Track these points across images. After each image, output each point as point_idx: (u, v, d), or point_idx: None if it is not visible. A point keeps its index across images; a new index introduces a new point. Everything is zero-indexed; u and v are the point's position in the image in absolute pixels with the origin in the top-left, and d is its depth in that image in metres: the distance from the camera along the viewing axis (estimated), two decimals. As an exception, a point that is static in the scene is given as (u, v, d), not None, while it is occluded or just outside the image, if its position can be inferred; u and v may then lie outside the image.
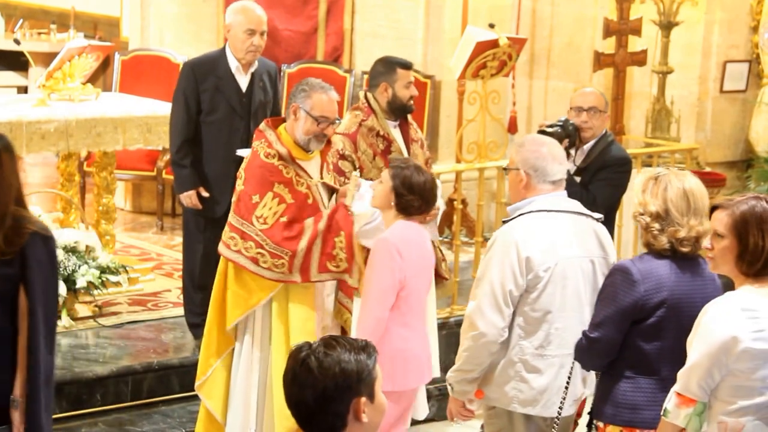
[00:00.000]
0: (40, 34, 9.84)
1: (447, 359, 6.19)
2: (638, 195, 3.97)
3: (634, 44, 7.55)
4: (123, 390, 5.77)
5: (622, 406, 3.94)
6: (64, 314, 6.15)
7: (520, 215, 4.20)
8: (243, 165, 5.03)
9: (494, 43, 6.99)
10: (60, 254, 6.12)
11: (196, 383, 5.05)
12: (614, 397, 3.95)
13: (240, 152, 5.53)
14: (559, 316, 4.17)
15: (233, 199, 5.03)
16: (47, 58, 8.15)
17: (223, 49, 6.00)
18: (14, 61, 9.57)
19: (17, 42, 7.89)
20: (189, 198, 5.93)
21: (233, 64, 5.93)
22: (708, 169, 7.49)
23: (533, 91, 8.24)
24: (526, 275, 4.12)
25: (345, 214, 4.88)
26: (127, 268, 6.53)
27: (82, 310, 6.37)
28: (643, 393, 3.93)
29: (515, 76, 8.05)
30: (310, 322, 4.89)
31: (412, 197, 4.67)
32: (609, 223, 5.88)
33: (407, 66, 5.63)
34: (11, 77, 9.84)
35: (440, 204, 5.49)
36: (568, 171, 5.49)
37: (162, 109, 6.89)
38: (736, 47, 8.03)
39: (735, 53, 8.03)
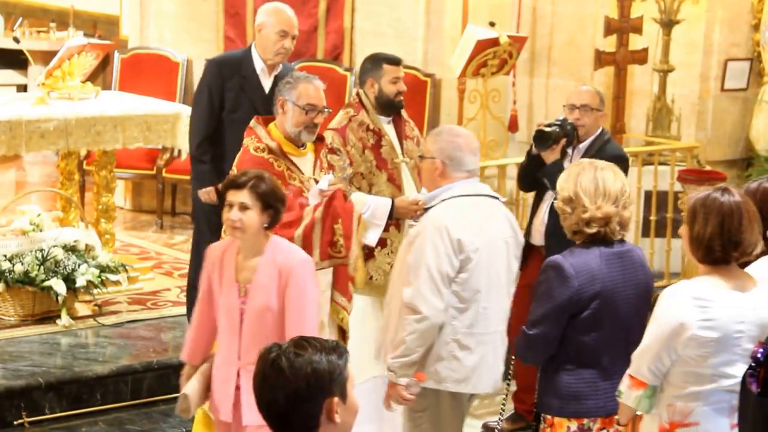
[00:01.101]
0: (39, 32, 9.84)
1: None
2: (558, 185, 4.14)
3: (635, 42, 7.54)
4: (123, 389, 5.77)
5: (566, 398, 4.01)
6: (63, 313, 6.14)
7: (442, 201, 4.42)
8: (234, 162, 5.03)
9: (495, 42, 6.99)
10: (60, 253, 6.14)
11: None
12: (558, 389, 4.03)
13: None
14: (486, 295, 4.41)
15: None
16: (47, 56, 8.14)
17: (249, 49, 5.96)
18: (13, 60, 9.56)
19: (16, 40, 7.88)
20: (207, 194, 5.90)
21: (258, 65, 5.90)
22: (708, 168, 7.47)
23: (534, 89, 8.23)
24: (459, 256, 4.34)
25: (343, 200, 4.88)
26: (127, 267, 6.53)
27: (82, 309, 6.37)
28: (585, 383, 4.01)
29: (516, 75, 8.02)
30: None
31: None
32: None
33: (394, 61, 5.63)
34: (10, 76, 9.84)
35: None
36: (564, 169, 5.50)
37: (162, 107, 6.91)
38: (737, 45, 8.01)
39: (736, 51, 8.01)
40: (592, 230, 3.98)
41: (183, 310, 6.29)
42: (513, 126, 8.07)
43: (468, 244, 4.35)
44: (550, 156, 5.63)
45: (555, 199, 5.46)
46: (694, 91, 7.99)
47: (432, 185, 4.51)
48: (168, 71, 8.55)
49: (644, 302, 4.08)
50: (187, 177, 7.64)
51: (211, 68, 5.98)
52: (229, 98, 5.89)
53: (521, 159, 6.10)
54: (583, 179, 4.01)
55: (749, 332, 3.68)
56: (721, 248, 3.61)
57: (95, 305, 6.41)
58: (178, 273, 7.15)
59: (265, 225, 4.30)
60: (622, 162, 5.81)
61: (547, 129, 5.59)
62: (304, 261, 4.36)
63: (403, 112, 5.75)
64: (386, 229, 5.34)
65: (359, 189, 5.45)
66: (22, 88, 9.59)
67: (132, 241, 7.87)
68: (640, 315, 4.05)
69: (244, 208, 4.24)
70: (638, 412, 3.79)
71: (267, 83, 5.94)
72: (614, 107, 7.53)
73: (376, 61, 5.63)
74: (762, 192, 4.05)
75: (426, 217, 4.47)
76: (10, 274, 6.09)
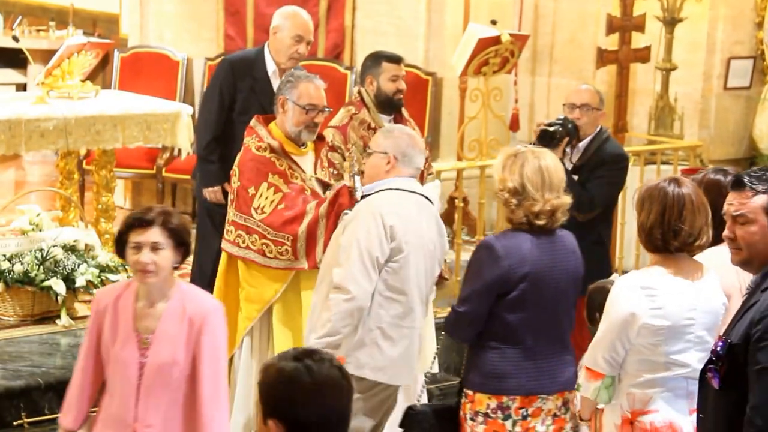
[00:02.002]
0: (38, 31, 9.83)
1: (448, 358, 6.15)
2: (498, 172, 4.16)
3: (638, 41, 7.54)
4: (123, 390, 5.73)
5: (489, 376, 4.12)
6: (63, 313, 6.12)
7: (380, 191, 4.47)
8: (236, 162, 4.99)
9: (496, 40, 6.97)
10: (59, 253, 6.11)
11: None
12: (482, 366, 4.13)
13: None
14: (417, 290, 4.46)
15: (230, 197, 5.00)
16: (46, 55, 8.11)
17: (261, 50, 5.91)
18: (13, 59, 9.53)
19: (16, 39, 7.84)
20: (214, 193, 5.88)
21: (271, 67, 5.85)
22: (711, 167, 7.44)
23: (536, 88, 8.22)
24: (390, 243, 4.37)
25: (348, 197, 4.87)
26: (127, 267, 6.47)
27: (82, 309, 6.33)
28: (509, 362, 4.11)
29: (517, 73, 8.03)
30: (300, 316, 4.89)
31: None
32: (606, 220, 5.87)
33: (393, 59, 5.63)
34: (10, 75, 9.81)
35: (437, 203, 5.48)
36: (567, 169, 5.50)
37: (162, 106, 6.88)
38: (740, 43, 8.00)
39: (739, 49, 8.00)
40: (541, 222, 4.07)
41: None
42: (514, 125, 8.07)
43: (400, 233, 4.39)
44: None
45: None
46: (696, 89, 7.98)
47: (376, 179, 4.51)
48: (168, 70, 8.53)
49: (573, 288, 4.18)
50: (188, 177, 7.62)
51: (224, 67, 5.94)
52: (239, 99, 5.86)
53: (523, 158, 6.08)
54: (527, 170, 4.07)
55: (700, 320, 3.78)
56: (661, 237, 3.70)
57: (95, 305, 6.39)
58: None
59: (175, 265, 3.87)
60: (622, 160, 5.81)
61: (551, 128, 5.57)
62: (218, 308, 3.93)
63: (404, 111, 5.74)
64: None
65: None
66: (22, 87, 9.55)
67: (132, 240, 7.82)
68: (568, 300, 4.17)
69: (156, 248, 3.79)
70: (599, 406, 3.86)
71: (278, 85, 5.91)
72: (616, 106, 7.52)
73: (375, 59, 5.63)
74: (706, 183, 4.15)
75: (362, 203, 4.50)
76: (9, 274, 6.07)
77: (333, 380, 2.58)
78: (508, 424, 4.13)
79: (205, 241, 5.94)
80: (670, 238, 3.70)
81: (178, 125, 6.73)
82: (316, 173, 5.03)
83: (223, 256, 5.11)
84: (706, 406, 3.39)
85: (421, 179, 5.57)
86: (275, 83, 5.82)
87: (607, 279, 4.60)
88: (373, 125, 5.53)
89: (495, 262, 4.07)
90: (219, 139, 5.87)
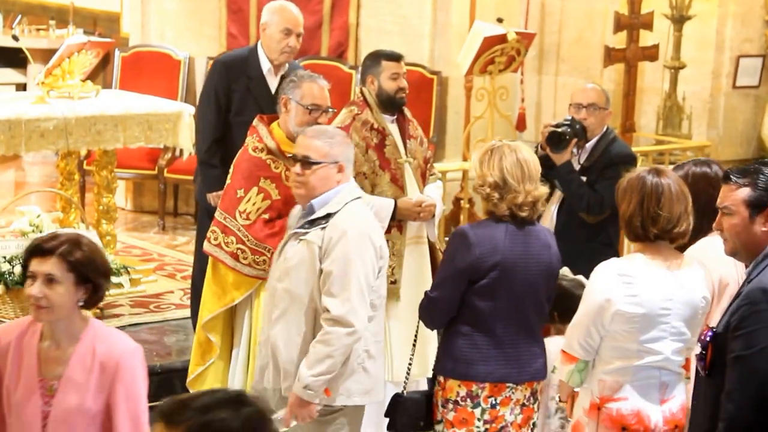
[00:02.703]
0: (38, 30, 9.83)
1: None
2: (476, 168, 4.25)
3: (646, 39, 7.52)
4: (125, 394, 5.67)
5: (459, 361, 4.21)
6: None
7: (345, 204, 4.25)
8: (234, 160, 4.94)
9: (502, 38, 6.93)
10: None
11: (187, 380, 5.03)
12: (453, 352, 4.24)
13: None
14: (384, 300, 4.39)
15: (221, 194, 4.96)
16: (46, 54, 8.08)
17: (255, 48, 5.90)
18: (12, 58, 9.51)
19: (15, 38, 7.80)
20: (218, 198, 5.84)
21: (265, 65, 5.82)
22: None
23: (542, 87, 8.19)
24: (379, 263, 4.29)
25: None
26: (129, 269, 6.48)
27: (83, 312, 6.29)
28: (478, 349, 4.21)
29: (524, 72, 8.02)
30: None
31: None
32: (615, 221, 5.79)
33: (393, 57, 5.56)
34: (9, 74, 9.80)
35: (439, 204, 5.45)
36: (575, 171, 5.43)
37: (163, 106, 6.86)
38: (749, 41, 7.97)
39: (749, 48, 7.97)
40: (524, 213, 4.16)
41: (186, 312, 6.25)
42: (521, 125, 8.03)
43: (384, 250, 4.31)
44: (561, 157, 5.54)
45: (563, 199, 5.44)
46: (705, 88, 7.96)
47: (326, 188, 4.25)
48: (169, 69, 8.50)
49: (545, 281, 4.26)
50: (190, 177, 7.55)
51: (218, 68, 5.92)
52: (235, 100, 5.83)
53: (529, 158, 6.02)
54: (507, 164, 4.17)
55: (677, 311, 3.86)
56: (640, 224, 3.81)
57: (97, 308, 6.30)
58: (181, 275, 7.10)
59: (81, 303, 3.43)
60: (630, 161, 5.74)
61: (560, 129, 5.50)
62: (134, 350, 3.48)
63: (407, 111, 5.68)
64: (388, 231, 5.28)
65: (361, 189, 5.35)
66: (22, 86, 9.56)
67: (133, 242, 7.81)
68: (539, 292, 4.25)
69: (50, 280, 3.35)
70: (576, 389, 3.97)
71: (274, 84, 5.87)
72: (624, 105, 7.49)
73: (375, 58, 5.58)
74: (693, 175, 4.25)
75: (341, 222, 4.19)
76: (9, 276, 6.05)
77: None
78: (477, 412, 4.22)
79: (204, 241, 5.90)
80: (649, 225, 3.80)
81: (180, 125, 6.71)
82: None
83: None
84: (698, 393, 3.51)
85: (423, 180, 5.51)
86: (271, 81, 5.81)
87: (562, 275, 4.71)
88: (376, 126, 5.48)
89: (467, 249, 4.17)
90: (219, 142, 5.84)
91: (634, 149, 6.32)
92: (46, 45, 9.30)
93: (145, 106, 6.77)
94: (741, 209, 3.40)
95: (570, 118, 5.63)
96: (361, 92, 5.59)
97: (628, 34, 7.43)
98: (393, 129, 5.54)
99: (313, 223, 4.19)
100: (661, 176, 3.85)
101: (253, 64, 5.82)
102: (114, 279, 6.19)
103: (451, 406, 4.24)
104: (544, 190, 4.22)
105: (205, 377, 4.98)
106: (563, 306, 4.42)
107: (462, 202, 6.93)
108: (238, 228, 4.81)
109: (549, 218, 5.70)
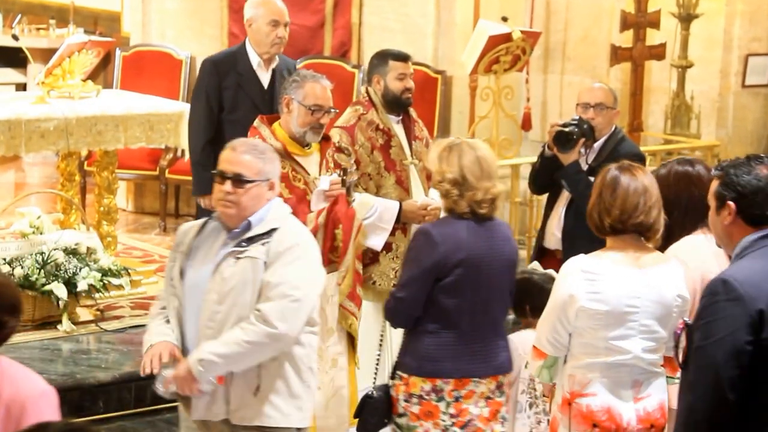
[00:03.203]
0: (39, 29, 9.84)
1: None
2: (434, 165, 4.31)
3: (653, 37, 7.51)
4: (126, 397, 5.68)
5: (425, 359, 4.27)
6: (65, 318, 6.06)
7: (284, 219, 4.09)
8: None
9: (507, 37, 6.90)
10: (60, 256, 6.06)
11: None
12: (418, 350, 4.29)
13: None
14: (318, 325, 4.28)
15: None
16: (46, 54, 8.07)
17: (243, 45, 5.93)
18: (12, 58, 9.51)
19: (15, 38, 7.80)
20: (209, 200, 5.79)
21: (255, 60, 5.86)
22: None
23: (548, 86, 8.16)
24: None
25: (345, 206, 4.81)
26: (130, 271, 6.45)
27: (84, 314, 6.28)
28: (444, 346, 4.28)
29: (529, 71, 8.00)
30: None
31: None
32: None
33: (401, 57, 5.54)
34: (9, 74, 9.80)
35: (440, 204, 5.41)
36: (583, 171, 5.38)
37: (165, 106, 6.88)
38: (758, 40, 7.94)
39: (757, 46, 7.94)
40: (483, 210, 4.25)
41: (188, 315, 6.18)
42: (526, 124, 8.00)
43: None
44: (568, 157, 5.48)
45: (571, 200, 5.39)
46: (713, 87, 7.94)
47: (258, 206, 4.03)
48: (171, 69, 8.50)
49: (507, 274, 4.36)
50: (191, 178, 7.52)
51: (206, 68, 5.94)
52: (227, 97, 5.84)
53: (535, 158, 5.97)
54: (466, 161, 4.25)
55: (646, 308, 3.90)
56: (598, 217, 3.91)
57: (97, 310, 6.32)
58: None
59: None
60: (638, 160, 5.66)
61: (567, 129, 5.44)
62: (43, 393, 3.25)
63: (413, 112, 5.64)
64: (392, 233, 5.29)
65: (366, 190, 5.40)
66: (22, 86, 9.58)
67: (134, 243, 7.78)
68: (503, 286, 4.35)
69: None
70: (545, 383, 4.05)
71: (265, 78, 5.90)
72: (631, 104, 7.47)
73: (382, 57, 5.57)
74: (675, 174, 4.34)
75: (287, 235, 4.00)
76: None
77: None
78: (442, 405, 4.29)
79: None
80: (605, 216, 3.90)
81: (182, 125, 6.71)
82: (321, 174, 4.93)
83: None
84: (684, 384, 3.56)
85: (428, 182, 5.46)
86: (261, 76, 5.85)
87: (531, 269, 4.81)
88: (381, 126, 5.46)
89: (431, 248, 4.23)
90: (213, 142, 5.82)
91: (642, 149, 6.26)
92: (47, 44, 9.31)
93: (146, 106, 6.78)
94: (712, 202, 3.46)
95: (578, 117, 5.59)
96: (367, 92, 5.58)
97: (634, 32, 7.41)
98: (398, 130, 5.54)
99: (251, 240, 3.99)
100: (621, 171, 3.93)
101: (242, 60, 5.85)
102: (114, 281, 6.18)
103: (415, 400, 4.30)
104: (502, 187, 4.32)
105: None
106: (535, 300, 4.50)
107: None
108: None
109: (557, 219, 5.66)
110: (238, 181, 3.99)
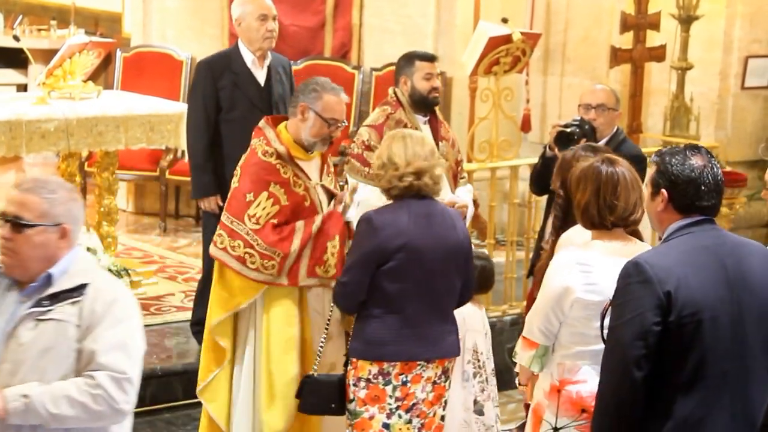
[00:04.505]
0: (39, 30, 9.81)
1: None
2: (374, 157, 4.56)
3: (653, 39, 7.49)
4: (125, 398, 5.62)
5: (371, 343, 4.41)
6: None
7: (95, 271, 3.60)
8: (240, 163, 4.89)
9: (507, 39, 6.87)
10: None
11: (198, 388, 4.92)
12: (365, 334, 4.43)
13: None
14: None
15: (227, 197, 4.88)
16: (47, 55, 8.05)
17: (236, 46, 5.95)
18: (13, 58, 9.47)
19: (16, 38, 7.77)
20: (209, 203, 5.86)
21: (248, 58, 5.87)
22: (729, 169, 7.33)
23: (548, 87, 8.15)
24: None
25: (339, 218, 4.79)
26: (130, 271, 6.47)
27: None
28: (389, 330, 4.40)
29: (529, 73, 7.99)
30: (290, 328, 4.75)
31: None
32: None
33: (428, 58, 5.63)
34: (10, 75, 9.77)
35: (471, 207, 5.50)
36: None
37: (165, 107, 6.86)
38: (758, 42, 7.92)
39: (757, 48, 7.92)
40: (405, 184, 4.39)
41: (187, 315, 6.21)
42: (526, 126, 7.99)
43: None
44: (569, 159, 5.49)
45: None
46: (713, 89, 7.92)
47: (45, 259, 3.36)
48: (171, 70, 8.48)
49: (454, 260, 4.46)
50: (190, 180, 7.52)
51: (201, 70, 5.95)
52: (223, 97, 5.84)
53: (534, 160, 5.99)
54: (394, 146, 4.45)
55: None
56: (597, 213, 3.92)
57: (97, 311, 6.28)
58: (182, 277, 7.07)
59: None
60: (639, 162, 5.67)
61: (568, 130, 5.45)
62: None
63: (438, 113, 5.70)
64: None
65: None
66: (22, 87, 9.53)
67: (134, 244, 7.78)
68: (449, 271, 4.45)
69: None
70: (536, 373, 4.07)
71: (261, 75, 5.90)
72: (631, 106, 7.46)
73: (409, 59, 5.63)
74: (578, 160, 4.38)
75: (103, 291, 3.38)
76: (8, 279, 5.96)
77: None
78: (389, 389, 4.42)
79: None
80: (606, 214, 3.92)
81: (182, 126, 6.67)
82: (321, 180, 4.92)
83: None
84: None
85: (455, 182, 5.50)
86: (256, 73, 5.86)
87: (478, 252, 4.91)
88: (409, 126, 5.47)
89: (372, 233, 4.37)
90: (211, 143, 5.83)
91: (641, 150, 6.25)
92: (47, 45, 9.28)
93: (146, 106, 6.77)
94: (648, 187, 3.53)
95: (579, 118, 5.60)
96: (394, 93, 5.63)
97: (634, 34, 7.39)
98: (426, 130, 5.56)
99: (55, 298, 3.34)
100: (615, 165, 3.95)
101: (236, 59, 5.87)
102: (114, 281, 6.17)
103: (363, 384, 4.42)
104: (437, 171, 4.43)
105: (212, 385, 4.88)
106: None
107: (467, 203, 6.87)
108: (247, 232, 4.73)
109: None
110: (17, 224, 3.32)
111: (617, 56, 7.37)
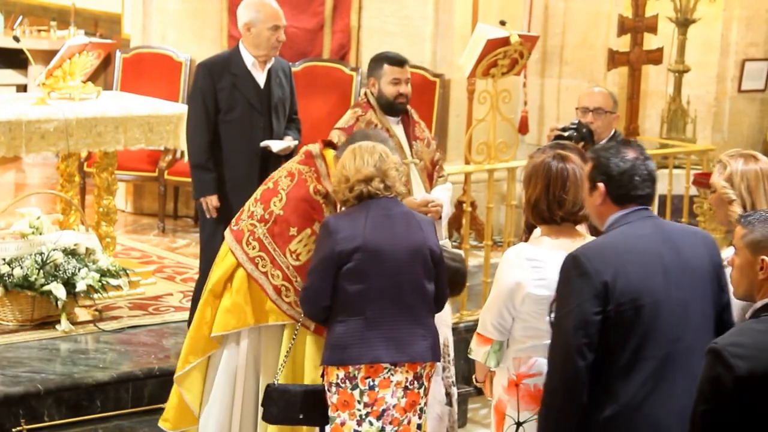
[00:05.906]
0: (39, 31, 9.82)
1: (457, 366, 6.04)
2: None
3: (650, 42, 7.48)
4: (123, 396, 5.68)
5: (335, 348, 4.40)
6: (63, 318, 6.07)
7: None
8: (284, 188, 4.85)
9: (505, 41, 6.88)
10: (59, 257, 6.06)
11: (176, 374, 4.95)
12: (330, 340, 4.43)
13: (266, 143, 5.59)
14: None
15: (264, 215, 4.84)
16: (47, 55, 8.08)
17: (236, 47, 5.92)
18: (13, 59, 9.51)
19: (16, 39, 7.78)
20: (210, 202, 5.84)
21: (249, 60, 5.85)
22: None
23: (545, 90, 8.15)
24: None
25: None
26: (128, 272, 6.45)
27: (82, 314, 6.29)
28: (352, 333, 4.37)
29: (527, 75, 7.98)
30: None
31: None
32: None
33: (396, 62, 5.51)
34: (10, 75, 9.80)
35: (446, 205, 5.41)
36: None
37: (164, 108, 6.86)
38: (755, 45, 7.94)
39: (754, 51, 7.93)
40: (355, 193, 4.42)
41: (186, 315, 6.21)
42: (523, 128, 7.99)
43: None
44: (566, 161, 5.51)
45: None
46: (710, 92, 7.93)
47: None
48: (171, 71, 8.48)
49: (417, 260, 4.42)
50: (190, 179, 7.53)
51: (201, 71, 5.93)
52: (222, 99, 5.83)
53: (532, 161, 5.99)
54: (345, 161, 4.48)
55: None
56: (546, 208, 3.96)
57: (95, 310, 6.33)
58: (181, 278, 7.07)
59: None
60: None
61: (566, 133, 5.46)
62: None
63: (414, 113, 5.65)
64: None
65: None
66: (22, 88, 9.56)
67: (133, 244, 7.78)
68: (415, 273, 4.42)
69: None
70: (492, 368, 4.12)
71: (261, 77, 5.89)
72: (628, 108, 7.46)
73: (378, 60, 5.55)
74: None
75: None
76: (8, 278, 6.01)
77: None
78: (356, 393, 4.37)
79: (209, 245, 5.85)
80: (555, 208, 3.96)
81: (181, 127, 6.69)
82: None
83: (230, 257, 4.94)
84: None
85: (430, 182, 5.47)
86: (256, 75, 5.84)
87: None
88: (380, 127, 5.42)
89: (329, 236, 4.40)
90: (211, 144, 5.83)
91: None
92: (47, 46, 9.31)
93: (146, 107, 6.77)
94: (585, 183, 3.67)
95: (577, 121, 5.60)
96: (365, 93, 5.58)
97: (632, 37, 7.39)
98: (398, 130, 5.52)
99: None
100: (565, 162, 4.00)
101: (236, 61, 5.85)
102: (113, 281, 6.18)
103: (333, 389, 4.40)
104: (391, 173, 4.42)
105: (190, 375, 4.91)
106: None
107: (464, 205, 6.88)
108: (287, 266, 4.78)
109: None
110: None
111: (614, 59, 7.37)
